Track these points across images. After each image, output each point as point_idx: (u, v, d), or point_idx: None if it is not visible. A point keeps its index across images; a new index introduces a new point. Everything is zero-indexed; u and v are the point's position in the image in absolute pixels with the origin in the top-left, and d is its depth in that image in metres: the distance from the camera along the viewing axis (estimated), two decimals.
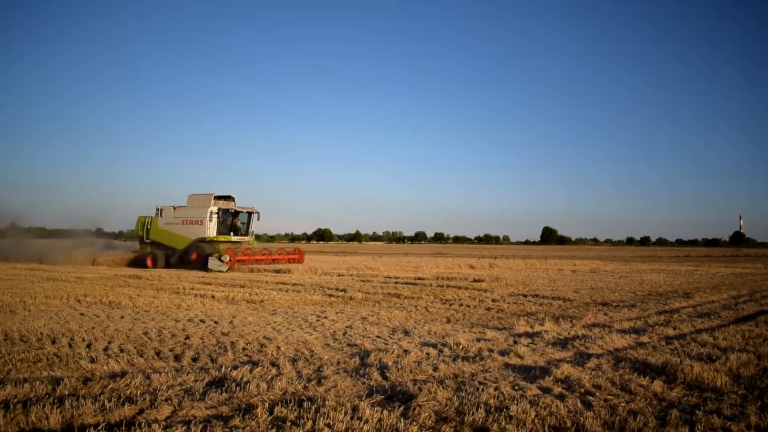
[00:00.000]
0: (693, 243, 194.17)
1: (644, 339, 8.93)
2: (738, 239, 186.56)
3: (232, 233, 31.11)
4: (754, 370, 6.79)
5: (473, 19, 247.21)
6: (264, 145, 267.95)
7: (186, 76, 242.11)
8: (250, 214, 32.51)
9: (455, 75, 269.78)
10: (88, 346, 8.35)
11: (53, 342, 8.59)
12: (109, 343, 8.58)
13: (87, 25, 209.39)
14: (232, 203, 31.83)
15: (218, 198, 31.41)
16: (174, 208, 32.27)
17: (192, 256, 29.92)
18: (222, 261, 27.06)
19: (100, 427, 4.65)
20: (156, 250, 31.84)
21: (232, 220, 31.46)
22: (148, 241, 32.69)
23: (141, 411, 5.07)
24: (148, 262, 31.09)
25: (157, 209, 32.73)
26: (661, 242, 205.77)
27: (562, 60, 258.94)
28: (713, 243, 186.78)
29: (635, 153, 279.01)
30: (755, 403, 5.51)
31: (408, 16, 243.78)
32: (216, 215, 30.70)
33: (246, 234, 32.40)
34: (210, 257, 27.64)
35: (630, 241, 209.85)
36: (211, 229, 30.46)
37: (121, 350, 8.07)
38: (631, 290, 18.20)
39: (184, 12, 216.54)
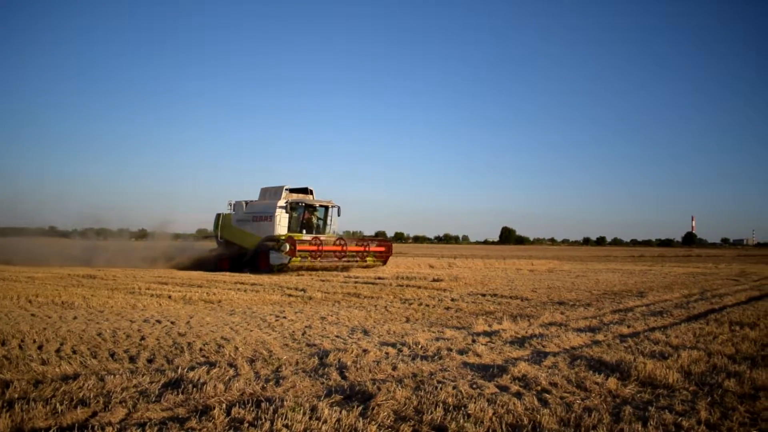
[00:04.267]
0: (647, 243, 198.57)
1: (599, 337, 9.10)
2: (690, 240, 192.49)
3: (304, 230, 27.27)
4: (705, 367, 6.97)
5: (444, 20, 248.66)
6: (232, 142, 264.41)
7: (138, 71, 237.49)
8: (326, 208, 28.59)
9: (416, 75, 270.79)
10: (40, 347, 8.10)
11: (2, 344, 8.30)
12: (62, 344, 8.34)
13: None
14: (310, 196, 28.32)
15: (293, 190, 28.24)
16: (246, 203, 29.14)
17: (260, 256, 26.57)
18: (281, 251, 24.24)
19: (51, 431, 4.54)
20: (229, 250, 28.96)
21: (304, 215, 27.73)
22: (222, 240, 29.93)
23: (94, 414, 4.95)
24: (221, 263, 28.35)
25: (230, 204, 29.79)
26: (617, 242, 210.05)
27: (519, 62, 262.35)
28: (666, 243, 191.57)
29: (591, 155, 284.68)
30: (705, 398, 5.67)
31: (380, 17, 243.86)
32: (284, 209, 27.11)
33: (323, 231, 28.30)
34: (271, 252, 24.94)
35: (586, 241, 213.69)
36: (280, 226, 26.89)
37: (74, 352, 7.86)
38: (587, 289, 18.50)
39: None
